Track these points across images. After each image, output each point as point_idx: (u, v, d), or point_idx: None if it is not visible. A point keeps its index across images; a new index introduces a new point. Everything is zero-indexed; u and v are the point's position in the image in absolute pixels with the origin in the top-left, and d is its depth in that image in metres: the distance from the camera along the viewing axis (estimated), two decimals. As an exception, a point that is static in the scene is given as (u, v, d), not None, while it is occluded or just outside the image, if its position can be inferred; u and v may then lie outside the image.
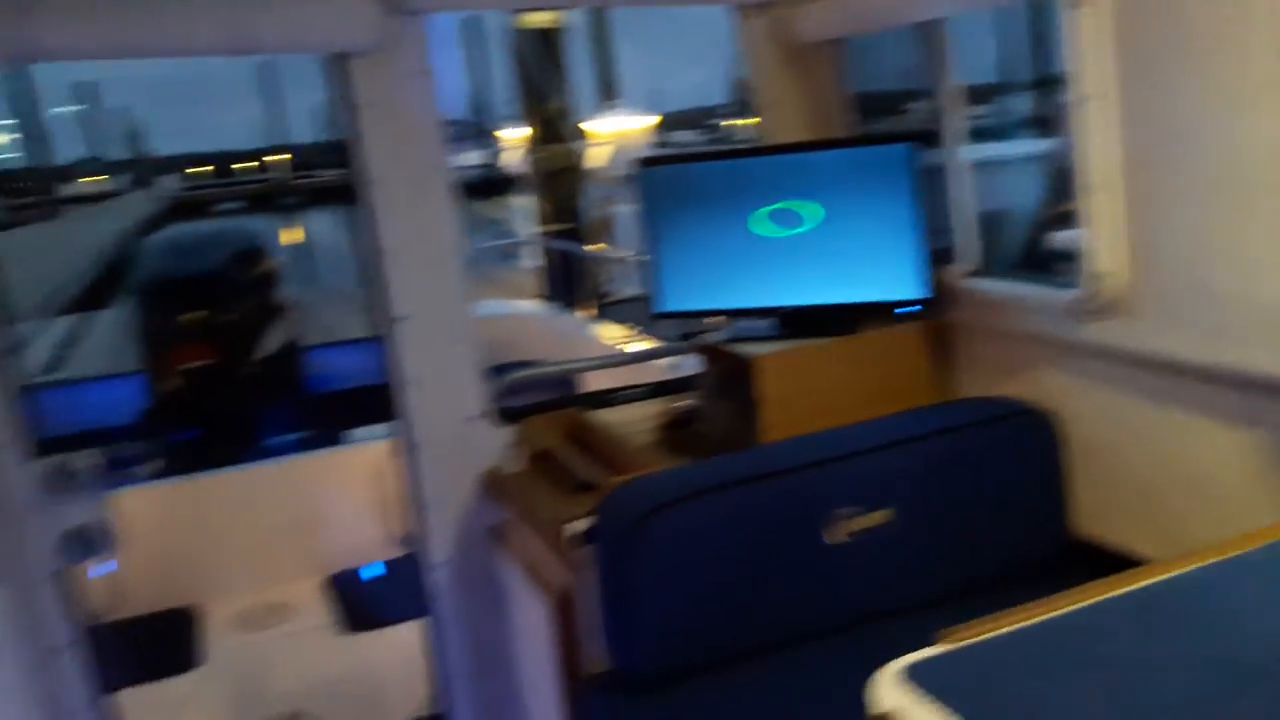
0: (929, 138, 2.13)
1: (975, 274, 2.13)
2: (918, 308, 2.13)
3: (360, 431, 5.54)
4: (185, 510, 4.52)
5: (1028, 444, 1.89)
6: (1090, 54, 1.65)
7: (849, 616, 1.78)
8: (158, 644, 4.19)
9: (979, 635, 0.96)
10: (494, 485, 2.27)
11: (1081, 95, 1.68)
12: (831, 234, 2.12)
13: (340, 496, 4.74)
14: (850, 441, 1.85)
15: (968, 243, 2.15)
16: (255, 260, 6.14)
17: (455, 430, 2.27)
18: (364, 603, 4.38)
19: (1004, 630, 0.97)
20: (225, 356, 5.57)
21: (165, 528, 3.63)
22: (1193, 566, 1.04)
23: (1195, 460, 1.68)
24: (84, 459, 2.03)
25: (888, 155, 2.11)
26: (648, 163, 2.31)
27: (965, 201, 2.15)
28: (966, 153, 2.17)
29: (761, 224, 2.16)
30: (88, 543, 2.03)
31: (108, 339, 13.45)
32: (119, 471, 2.08)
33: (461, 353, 2.24)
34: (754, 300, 2.19)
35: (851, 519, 1.77)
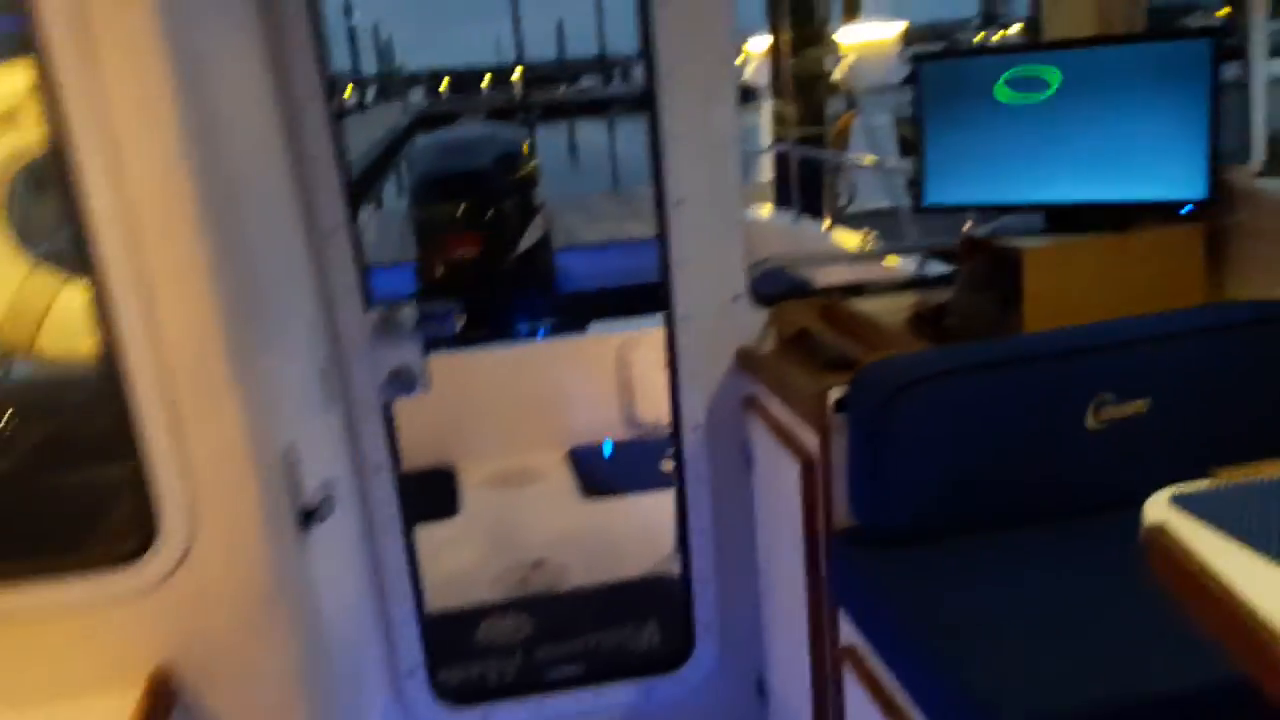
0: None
1: (1263, 175, 2.07)
2: (1192, 208, 2.09)
3: (600, 325, 5.89)
4: (449, 382, 5.03)
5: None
6: None
7: (1095, 500, 1.84)
8: (426, 494, 4.76)
9: (1246, 476, 1.04)
10: (749, 361, 2.44)
11: None
12: (1076, 107, 2.11)
13: (583, 379, 5.11)
14: (1113, 332, 1.89)
15: (1259, 143, 2.08)
16: (517, 163, 6.57)
17: (717, 308, 2.45)
18: (601, 474, 4.76)
19: (1271, 477, 1.04)
20: (488, 250, 6.05)
21: (432, 396, 4.09)
22: None
23: None
24: (406, 312, 2.36)
25: (1187, 51, 2.05)
26: (923, 59, 2.35)
27: (1261, 100, 2.07)
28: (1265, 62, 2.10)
29: (1003, 92, 2.17)
30: (407, 381, 2.38)
31: (369, 236, 14.70)
32: (432, 324, 2.39)
33: (728, 236, 2.41)
34: (1022, 196, 2.22)
35: (1108, 407, 1.82)
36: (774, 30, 7.84)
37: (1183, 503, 1.01)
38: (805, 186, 6.05)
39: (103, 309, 1.27)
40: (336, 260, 2.25)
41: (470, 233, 5.98)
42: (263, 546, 1.39)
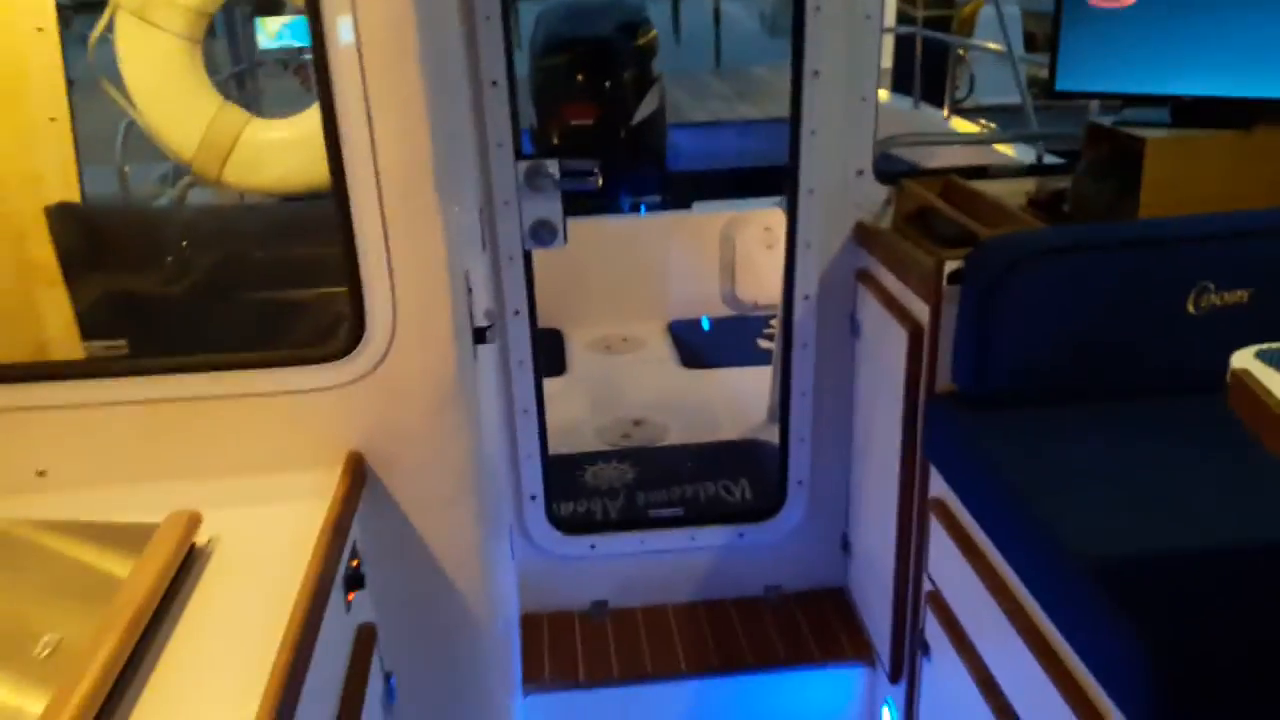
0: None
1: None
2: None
3: (706, 205, 5.99)
4: (559, 250, 5.24)
5: None
6: None
7: (1187, 382, 1.97)
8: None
9: None
10: (866, 235, 2.58)
11: None
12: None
13: (687, 256, 5.28)
14: (1222, 224, 1.98)
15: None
16: (638, 31, 6.58)
17: (840, 180, 2.58)
18: (699, 347, 4.97)
19: None
20: (604, 119, 6.14)
21: (544, 262, 4.28)
22: None
23: None
24: (551, 166, 2.54)
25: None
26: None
27: None
28: None
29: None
30: (548, 233, 2.59)
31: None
32: (574, 180, 2.57)
33: (861, 112, 2.51)
34: (1151, 87, 2.27)
35: (1209, 295, 1.93)
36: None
37: (1266, 356, 1.15)
38: (927, 72, 5.96)
39: (332, 133, 1.48)
40: (494, 112, 2.44)
41: (588, 100, 6.07)
42: (449, 352, 1.62)
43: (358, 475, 1.60)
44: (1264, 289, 1.93)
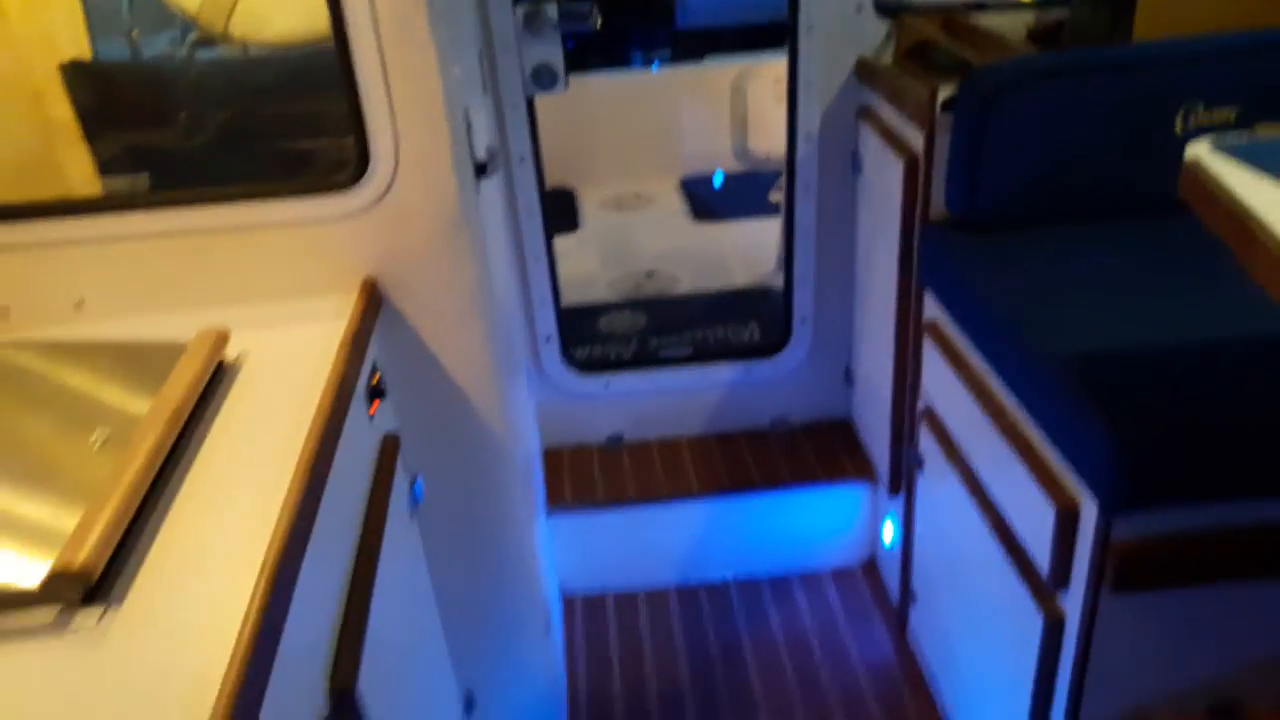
0: None
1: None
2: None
3: (717, 59, 5.88)
4: (568, 107, 5.22)
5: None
6: None
7: (1175, 201, 2.02)
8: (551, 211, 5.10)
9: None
10: (867, 70, 2.60)
11: None
12: None
13: (698, 110, 5.25)
14: (1209, 44, 1.99)
15: None
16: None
17: (839, 16, 2.57)
18: (711, 201, 5.01)
19: None
20: (611, -31, 5.99)
21: (552, 119, 4.29)
22: None
23: None
24: (549, 8, 2.55)
25: None
26: None
27: None
28: None
29: None
30: (549, 77, 2.62)
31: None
32: (572, 21, 2.59)
33: None
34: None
35: (1198, 113, 1.96)
36: None
37: (1220, 145, 1.21)
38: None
39: None
40: None
41: None
42: (451, 180, 1.70)
43: (374, 298, 1.71)
44: (1250, 106, 1.96)
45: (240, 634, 0.95)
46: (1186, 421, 1.49)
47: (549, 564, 2.56)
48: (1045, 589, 1.74)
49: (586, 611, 2.90)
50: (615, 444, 3.08)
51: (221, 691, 0.89)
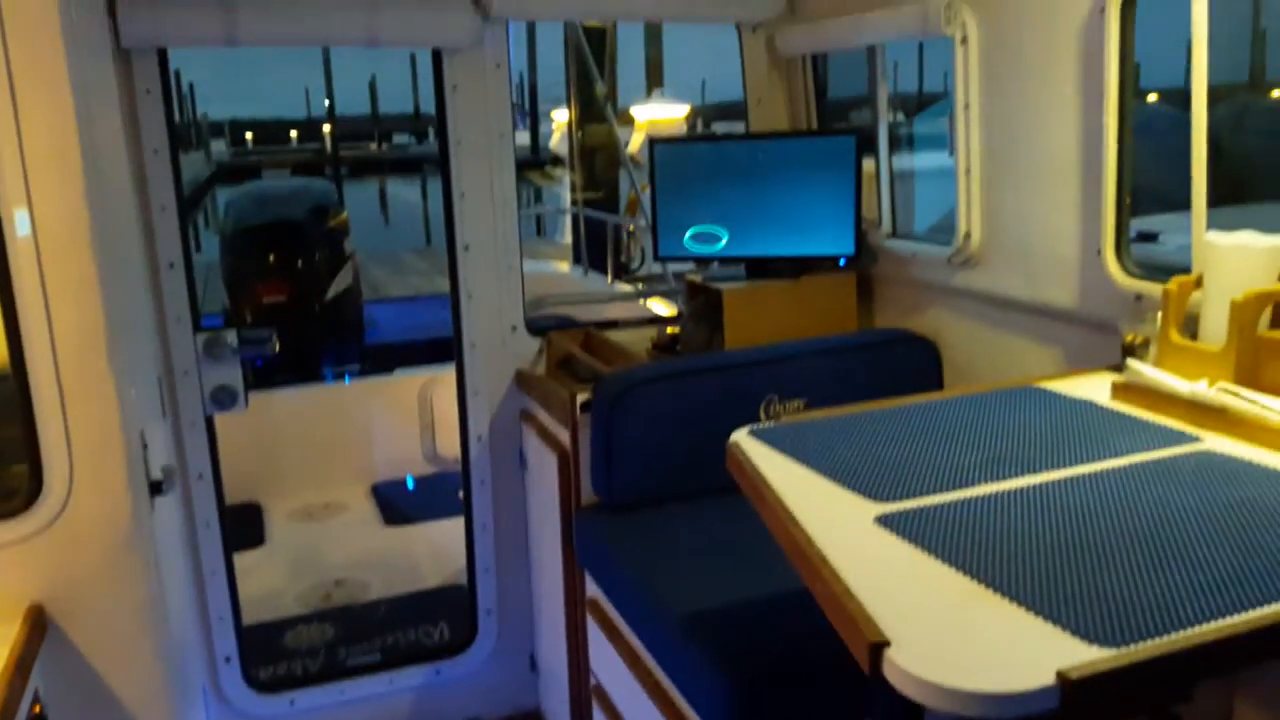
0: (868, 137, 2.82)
1: (891, 236, 2.83)
2: (846, 261, 2.83)
3: (406, 371, 6.23)
4: (257, 421, 5.27)
5: (914, 361, 2.59)
6: (963, 76, 2.34)
7: None
8: (234, 527, 4.97)
9: (804, 418, 1.66)
10: (524, 379, 2.98)
11: (958, 105, 2.37)
12: (764, 183, 2.81)
13: (388, 418, 5.47)
14: (782, 350, 2.56)
15: (887, 214, 2.85)
16: (329, 213, 6.91)
17: (498, 336, 2.98)
18: (402, 505, 5.13)
19: (811, 418, 1.67)
20: (297, 296, 6.33)
21: (241, 435, 4.31)
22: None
23: (1022, 369, 2.37)
24: (229, 335, 2.74)
25: (838, 145, 2.79)
26: (657, 142, 3.01)
27: (888, 183, 2.85)
28: (896, 155, 2.87)
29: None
30: (229, 397, 2.77)
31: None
32: (251, 347, 2.78)
33: (508, 277, 2.95)
34: (727, 251, 2.89)
35: (775, 404, 2.47)
36: (569, 105, 8.61)
37: (755, 433, 1.61)
38: (593, 246, 6.72)
39: (10, 311, 1.63)
40: (173, 289, 2.63)
41: (280, 280, 6.26)
42: (125, 503, 1.76)
43: (37, 626, 1.67)
44: (814, 396, 2.50)
45: None
46: (779, 649, 1.80)
47: None
48: None
49: None
50: None
51: None
